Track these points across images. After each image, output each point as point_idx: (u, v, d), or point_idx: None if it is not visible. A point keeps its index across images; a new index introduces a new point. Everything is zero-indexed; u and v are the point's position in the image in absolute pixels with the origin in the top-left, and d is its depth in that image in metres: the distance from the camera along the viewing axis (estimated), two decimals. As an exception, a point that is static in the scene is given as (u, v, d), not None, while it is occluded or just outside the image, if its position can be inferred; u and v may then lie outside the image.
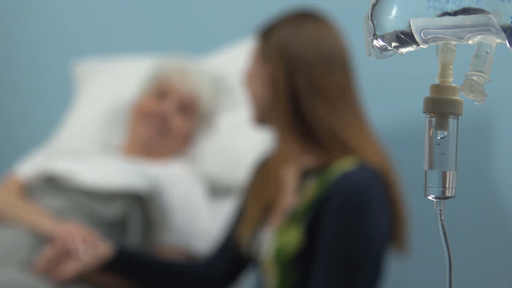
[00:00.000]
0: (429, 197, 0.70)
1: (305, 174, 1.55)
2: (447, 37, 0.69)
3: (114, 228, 1.77)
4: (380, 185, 1.50)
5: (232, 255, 1.70)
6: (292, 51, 1.54)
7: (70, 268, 1.63)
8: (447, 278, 0.69)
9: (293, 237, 1.51)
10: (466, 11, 0.66)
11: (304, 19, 1.59)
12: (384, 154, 1.56)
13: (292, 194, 1.57)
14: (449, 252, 0.69)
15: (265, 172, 1.65)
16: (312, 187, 1.52)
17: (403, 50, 0.71)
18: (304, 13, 1.61)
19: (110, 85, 2.24)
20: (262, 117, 1.62)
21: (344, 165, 1.50)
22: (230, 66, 2.11)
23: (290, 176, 1.59)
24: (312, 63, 1.53)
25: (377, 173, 1.50)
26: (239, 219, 1.68)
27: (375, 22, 0.70)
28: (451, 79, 0.70)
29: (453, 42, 0.70)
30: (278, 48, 1.56)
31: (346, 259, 1.46)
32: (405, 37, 0.70)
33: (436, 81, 0.71)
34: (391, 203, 1.52)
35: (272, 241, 1.55)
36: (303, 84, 1.53)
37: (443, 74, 0.70)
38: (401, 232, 1.56)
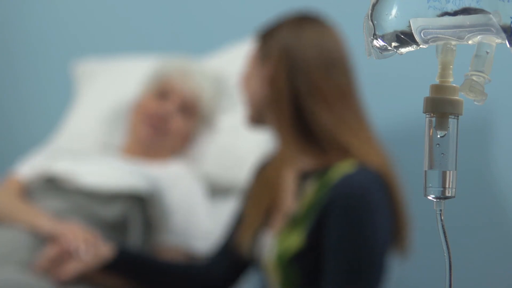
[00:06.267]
0: (429, 197, 0.70)
1: (304, 176, 1.55)
2: (447, 37, 0.69)
3: (114, 229, 1.77)
4: (381, 186, 1.50)
5: (232, 259, 1.69)
6: (293, 53, 1.55)
7: (71, 268, 1.62)
8: (447, 278, 0.69)
9: (295, 242, 1.51)
10: (466, 11, 0.67)
11: (304, 22, 1.59)
12: (385, 156, 1.56)
13: (291, 198, 1.57)
14: (449, 252, 0.69)
15: (264, 176, 1.65)
16: (311, 190, 1.52)
17: (403, 50, 0.71)
18: (304, 17, 1.61)
19: (110, 85, 2.24)
20: (258, 118, 1.62)
21: (343, 168, 1.50)
22: (230, 66, 2.11)
23: (289, 179, 1.59)
24: (312, 65, 1.54)
25: (377, 175, 1.50)
26: (239, 223, 1.68)
27: (375, 22, 0.70)
28: (451, 79, 0.70)
29: (453, 42, 0.70)
30: (279, 49, 1.56)
31: (351, 265, 1.46)
32: (405, 37, 0.70)
33: (436, 81, 0.71)
34: (392, 204, 1.53)
35: (273, 245, 1.55)
36: (303, 86, 1.54)
37: (443, 74, 0.70)
38: (402, 233, 1.56)
